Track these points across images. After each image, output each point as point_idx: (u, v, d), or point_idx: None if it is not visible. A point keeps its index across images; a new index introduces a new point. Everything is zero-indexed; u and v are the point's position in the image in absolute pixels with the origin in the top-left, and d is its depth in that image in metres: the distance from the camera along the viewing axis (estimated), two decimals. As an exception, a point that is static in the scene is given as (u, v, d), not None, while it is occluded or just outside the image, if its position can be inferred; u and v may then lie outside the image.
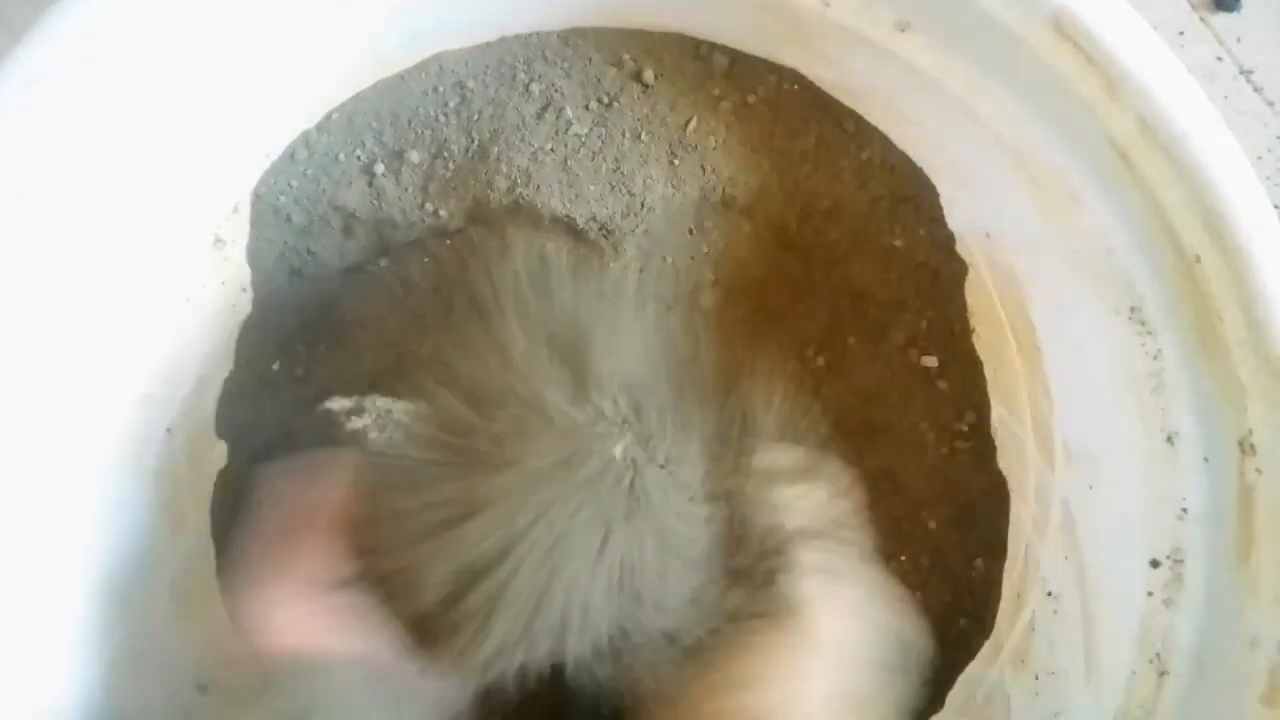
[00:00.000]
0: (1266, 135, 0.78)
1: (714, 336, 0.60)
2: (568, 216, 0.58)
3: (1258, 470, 0.46)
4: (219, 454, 0.59)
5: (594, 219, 0.59)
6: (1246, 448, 0.47)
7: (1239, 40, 0.79)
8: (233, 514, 0.55)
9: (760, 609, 0.49)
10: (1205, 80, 0.77)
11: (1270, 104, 0.78)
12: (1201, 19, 0.79)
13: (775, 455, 0.54)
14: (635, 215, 0.59)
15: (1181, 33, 0.79)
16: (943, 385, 0.62)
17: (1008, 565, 0.61)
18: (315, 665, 0.44)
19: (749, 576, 0.50)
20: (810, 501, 0.53)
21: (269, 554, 0.48)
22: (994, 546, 0.61)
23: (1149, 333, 0.50)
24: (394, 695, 0.45)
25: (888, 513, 0.61)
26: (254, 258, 0.60)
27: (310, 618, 0.46)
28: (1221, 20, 0.79)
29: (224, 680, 0.50)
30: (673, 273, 0.61)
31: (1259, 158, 0.77)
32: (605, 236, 0.60)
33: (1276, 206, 0.73)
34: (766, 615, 0.48)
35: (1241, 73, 0.79)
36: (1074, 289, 0.53)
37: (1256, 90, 0.79)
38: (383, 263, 0.61)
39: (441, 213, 0.60)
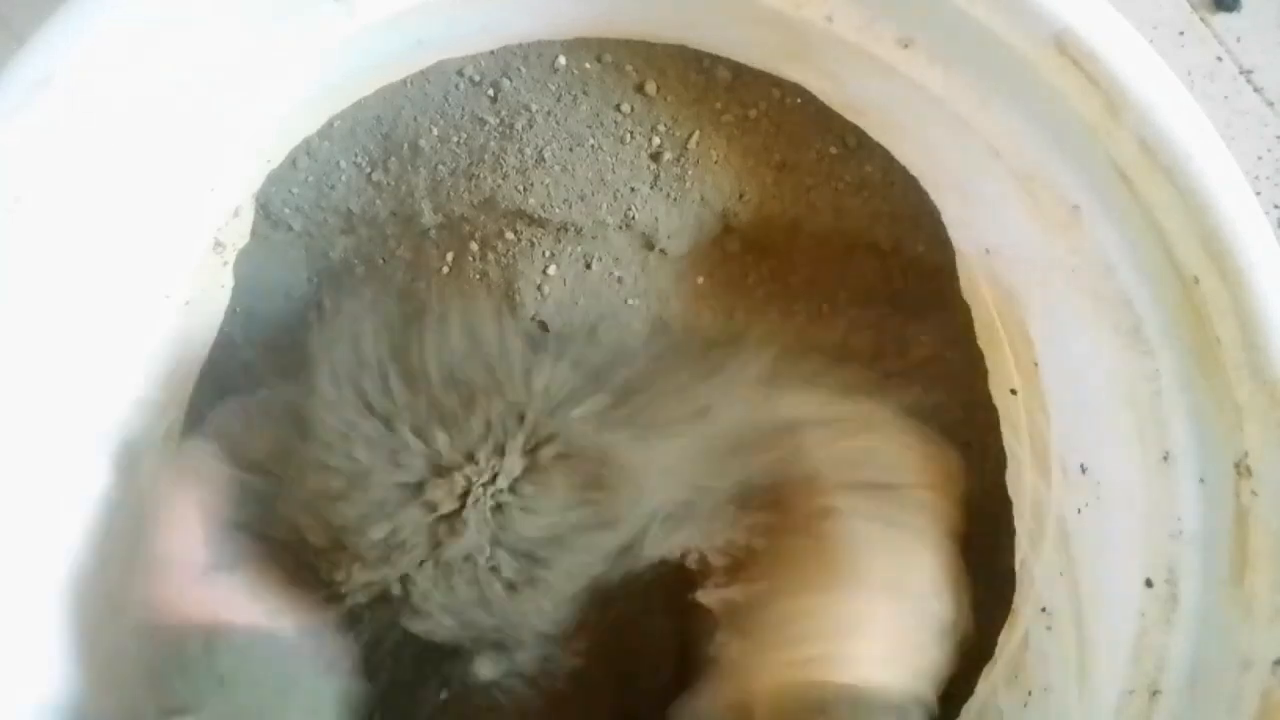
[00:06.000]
0: (1266, 135, 0.78)
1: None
2: (568, 226, 0.59)
3: (1253, 492, 0.46)
4: (217, 458, 0.59)
5: (594, 229, 0.59)
6: (1243, 470, 0.47)
7: (1239, 40, 0.78)
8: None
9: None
10: (1205, 80, 0.76)
11: (1270, 104, 0.78)
12: (1201, 19, 0.78)
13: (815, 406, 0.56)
14: (634, 227, 0.59)
15: (1181, 33, 0.78)
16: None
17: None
18: (225, 636, 0.48)
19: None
20: (863, 453, 0.54)
21: (163, 546, 0.51)
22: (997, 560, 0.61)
23: (1147, 352, 0.50)
24: (296, 657, 0.50)
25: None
26: (255, 262, 0.60)
27: (207, 596, 0.50)
28: (1221, 20, 0.78)
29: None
30: (671, 283, 0.61)
31: (1259, 158, 0.77)
32: (605, 246, 0.60)
33: (1277, 207, 0.74)
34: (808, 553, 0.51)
35: (1241, 73, 0.78)
36: (1073, 307, 0.53)
37: (1256, 90, 0.78)
38: (382, 266, 0.62)
39: (442, 219, 0.60)
